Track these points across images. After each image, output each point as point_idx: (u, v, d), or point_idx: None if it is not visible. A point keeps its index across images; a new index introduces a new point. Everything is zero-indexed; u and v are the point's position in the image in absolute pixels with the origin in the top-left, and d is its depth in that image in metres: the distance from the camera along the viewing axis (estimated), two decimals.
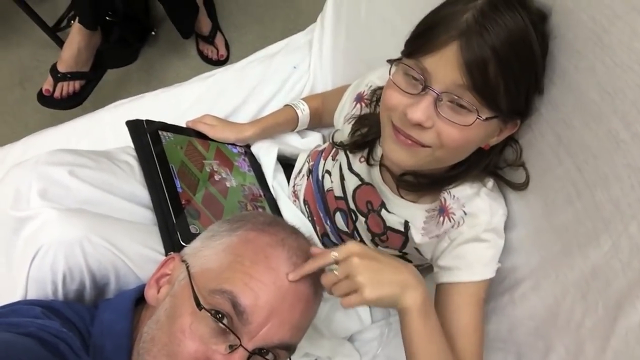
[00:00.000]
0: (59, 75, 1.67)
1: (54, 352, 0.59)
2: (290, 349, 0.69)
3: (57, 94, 1.69)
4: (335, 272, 0.68)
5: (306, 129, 1.19)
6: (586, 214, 0.71)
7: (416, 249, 0.88)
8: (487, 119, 0.69)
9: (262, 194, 1.07)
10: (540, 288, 0.80)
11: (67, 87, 1.70)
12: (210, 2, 2.05)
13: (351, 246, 0.68)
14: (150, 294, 0.72)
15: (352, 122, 0.95)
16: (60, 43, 1.92)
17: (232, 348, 0.63)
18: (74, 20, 1.70)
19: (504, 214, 0.82)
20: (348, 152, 0.95)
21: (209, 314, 0.63)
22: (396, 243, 0.90)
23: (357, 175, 0.93)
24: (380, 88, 0.89)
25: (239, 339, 0.63)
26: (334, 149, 1.01)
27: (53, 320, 0.65)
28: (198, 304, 0.64)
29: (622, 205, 0.66)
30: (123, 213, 0.89)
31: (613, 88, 0.64)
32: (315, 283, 0.72)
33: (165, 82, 2.00)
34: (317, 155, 1.05)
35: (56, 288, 0.76)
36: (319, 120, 1.17)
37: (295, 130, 1.17)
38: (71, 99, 1.72)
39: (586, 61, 0.67)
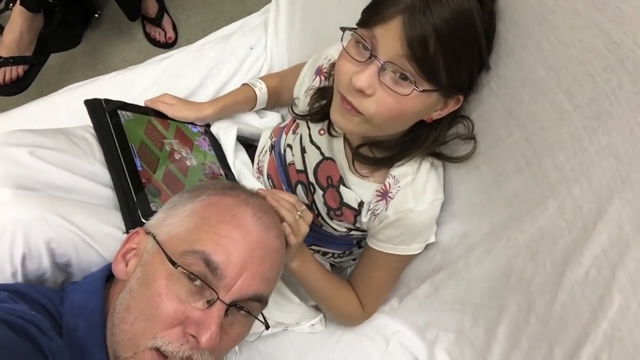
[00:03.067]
0: (0, 60, 1.61)
1: (23, 336, 0.59)
2: (262, 300, 0.72)
3: None
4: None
5: (264, 108, 1.20)
6: (534, 181, 0.77)
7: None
8: (424, 91, 0.73)
9: (222, 172, 1.09)
10: (493, 251, 0.86)
11: (9, 73, 1.63)
12: None
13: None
14: (118, 268, 0.73)
15: (312, 94, 0.99)
16: None
17: (210, 303, 0.65)
18: (13, 3, 1.63)
19: (434, 201, 0.88)
20: (309, 124, 0.99)
21: (185, 272, 0.65)
22: (349, 218, 0.94)
23: (318, 148, 0.96)
24: None
25: (216, 292, 0.65)
26: (295, 123, 1.04)
27: (20, 304, 0.65)
28: (173, 263, 0.66)
29: (566, 170, 0.72)
30: (85, 192, 0.89)
31: (557, 63, 0.70)
32: (280, 235, 0.76)
33: (111, 65, 1.95)
34: (279, 131, 1.08)
35: (16, 269, 0.75)
36: (277, 98, 1.19)
37: (254, 110, 1.18)
38: (14, 84, 1.66)
39: (533, 39, 0.73)
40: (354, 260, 1.12)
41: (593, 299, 0.70)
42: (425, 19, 0.68)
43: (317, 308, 1.05)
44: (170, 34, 1.98)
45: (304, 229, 0.84)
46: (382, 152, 0.88)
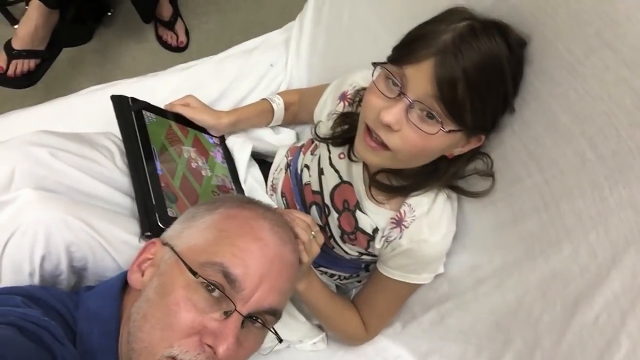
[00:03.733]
0: (14, 52, 1.60)
1: (36, 341, 0.60)
2: (277, 313, 0.73)
3: (10, 72, 1.62)
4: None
5: (280, 125, 1.21)
6: (551, 223, 0.79)
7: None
8: (450, 131, 0.76)
9: (233, 187, 1.10)
10: (502, 287, 0.88)
11: (21, 66, 1.63)
12: None
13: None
14: (134, 278, 0.73)
15: (335, 119, 1.01)
16: (10, 18, 1.84)
17: (227, 314, 0.66)
18: None
19: (447, 233, 0.91)
20: (329, 147, 1.00)
21: (205, 282, 0.66)
22: (362, 243, 0.96)
23: (336, 171, 0.98)
24: (364, 89, 0.95)
25: (233, 304, 0.66)
26: (314, 144, 1.06)
27: (34, 309, 0.65)
28: (194, 273, 0.67)
29: (584, 216, 0.74)
30: (104, 198, 0.90)
31: (583, 114, 0.73)
32: (295, 250, 0.78)
33: (120, 65, 1.96)
34: (296, 151, 1.10)
35: (34, 269, 0.76)
36: (294, 116, 1.21)
37: (270, 125, 1.19)
38: (25, 77, 1.66)
39: (560, 88, 0.75)
40: (359, 282, 1.13)
41: (601, 342, 0.71)
42: (457, 63, 0.71)
43: (320, 327, 1.07)
44: (183, 38, 1.99)
45: (316, 249, 0.86)
46: (399, 181, 0.90)
